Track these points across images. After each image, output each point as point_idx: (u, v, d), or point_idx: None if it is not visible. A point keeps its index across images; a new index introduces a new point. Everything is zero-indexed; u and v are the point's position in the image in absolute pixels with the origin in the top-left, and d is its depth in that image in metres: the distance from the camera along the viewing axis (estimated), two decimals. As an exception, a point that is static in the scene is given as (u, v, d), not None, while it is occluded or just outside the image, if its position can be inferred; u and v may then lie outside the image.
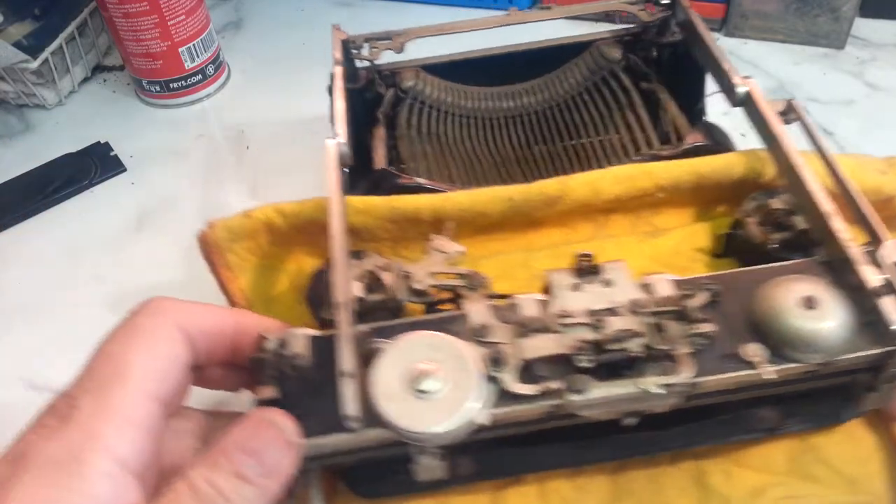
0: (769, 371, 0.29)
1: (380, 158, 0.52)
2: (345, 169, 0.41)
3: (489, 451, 0.33)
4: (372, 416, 0.28)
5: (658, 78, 0.56)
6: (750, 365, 0.29)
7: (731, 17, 0.76)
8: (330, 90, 0.50)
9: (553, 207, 0.42)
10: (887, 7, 0.77)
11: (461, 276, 0.34)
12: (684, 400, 0.30)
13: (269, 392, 0.29)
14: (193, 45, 0.74)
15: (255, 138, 0.71)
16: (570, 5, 0.59)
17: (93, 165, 0.69)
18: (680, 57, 0.55)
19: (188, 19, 0.72)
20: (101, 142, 0.72)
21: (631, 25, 0.58)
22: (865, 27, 0.76)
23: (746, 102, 0.43)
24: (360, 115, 0.54)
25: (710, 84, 0.49)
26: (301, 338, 0.31)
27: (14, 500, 0.21)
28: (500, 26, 0.56)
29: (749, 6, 0.74)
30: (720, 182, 0.42)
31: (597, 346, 0.29)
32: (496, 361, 0.30)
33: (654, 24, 0.55)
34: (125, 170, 0.69)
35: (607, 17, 0.75)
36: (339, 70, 0.49)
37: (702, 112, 0.54)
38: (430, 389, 0.28)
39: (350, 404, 0.28)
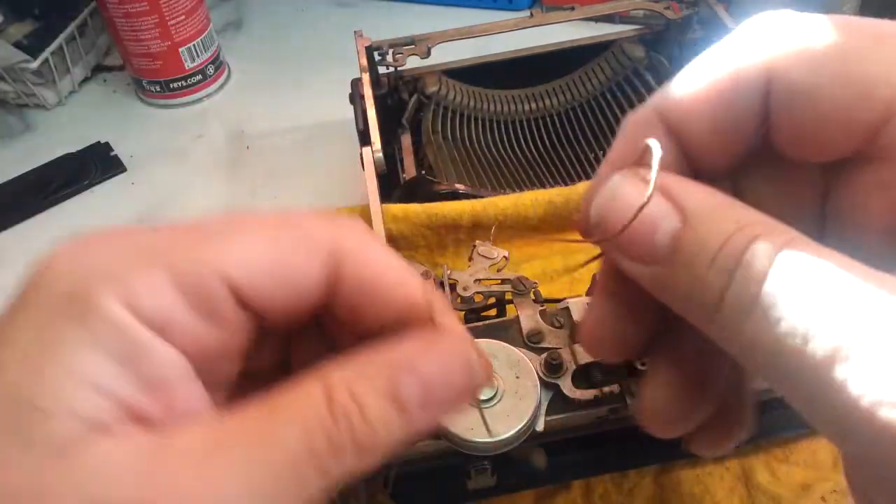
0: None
1: (410, 165, 0.52)
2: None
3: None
4: None
5: None
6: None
7: (733, 17, 0.75)
8: (352, 98, 0.50)
9: None
10: (887, 7, 0.77)
11: (507, 281, 0.34)
12: None
13: None
14: (193, 45, 0.74)
15: (255, 138, 0.71)
16: (593, 5, 0.59)
17: (93, 165, 0.69)
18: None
19: (188, 19, 0.72)
20: (101, 142, 0.72)
21: (639, 25, 0.58)
22: (866, 27, 0.76)
23: None
24: (383, 122, 0.54)
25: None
26: None
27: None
28: (523, 28, 0.56)
29: (750, 6, 0.74)
30: None
31: None
32: (552, 367, 0.29)
33: (677, 22, 0.55)
34: (125, 170, 0.69)
35: (607, 17, 0.74)
36: (366, 78, 0.49)
37: None
38: (488, 397, 0.28)
39: None
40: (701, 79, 0.21)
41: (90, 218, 0.65)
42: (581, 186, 0.41)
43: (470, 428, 0.27)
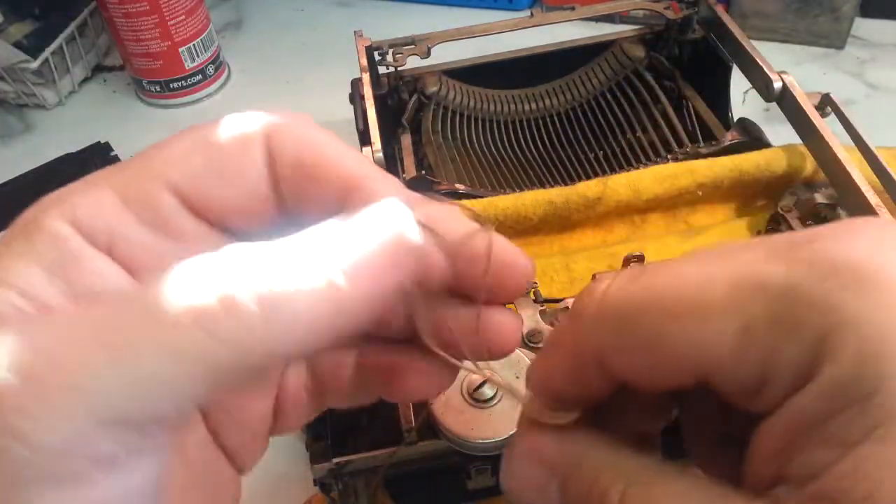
0: None
1: (410, 166, 0.52)
2: None
3: None
4: (428, 428, 0.28)
5: (681, 76, 0.56)
6: None
7: (732, 17, 0.75)
8: (352, 98, 0.50)
9: (592, 209, 0.42)
10: (887, 7, 0.77)
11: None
12: None
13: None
14: (193, 45, 0.74)
15: (255, 138, 0.71)
16: (593, 5, 0.58)
17: (93, 165, 0.69)
18: (702, 54, 0.55)
19: (188, 19, 0.72)
20: (101, 142, 0.72)
21: (639, 25, 0.58)
22: (865, 27, 0.76)
23: (782, 98, 0.43)
24: (383, 122, 0.54)
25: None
26: None
27: None
28: (523, 28, 0.56)
29: (749, 6, 0.74)
30: (761, 178, 0.42)
31: None
32: None
33: (677, 22, 0.55)
34: (125, 170, 0.69)
35: (607, 17, 0.75)
36: (366, 78, 0.49)
37: (728, 108, 0.54)
38: (487, 396, 0.27)
39: (408, 415, 0.28)
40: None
41: (90, 218, 0.65)
42: (581, 186, 0.41)
43: (470, 428, 0.27)
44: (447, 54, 0.58)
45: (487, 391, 0.27)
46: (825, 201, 0.39)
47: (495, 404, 0.27)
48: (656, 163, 0.45)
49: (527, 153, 0.57)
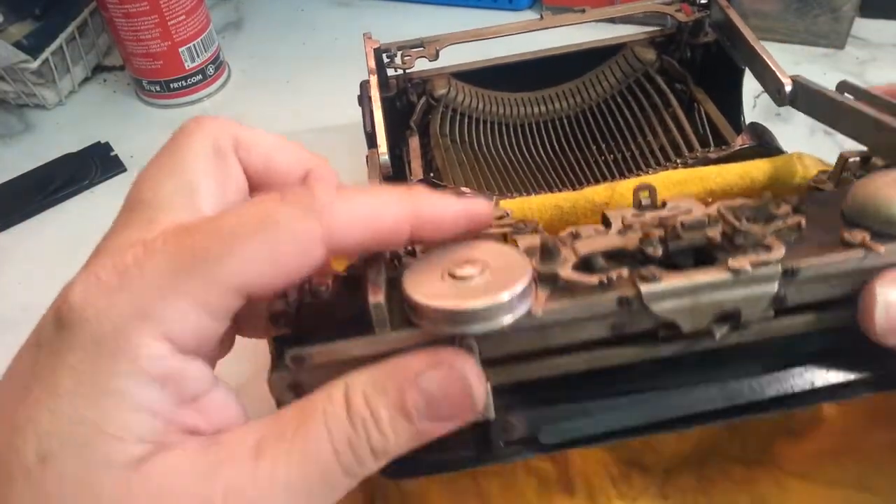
0: (880, 248, 0.24)
1: (418, 168, 0.52)
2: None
3: (539, 410, 0.26)
4: (402, 318, 0.23)
5: (692, 79, 0.56)
6: (856, 246, 0.24)
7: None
8: (360, 99, 0.50)
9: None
10: (887, 7, 0.77)
11: (510, 226, 0.28)
12: (778, 304, 0.24)
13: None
14: (193, 45, 0.74)
15: (255, 138, 0.71)
16: (604, 7, 0.58)
17: (93, 165, 0.69)
18: (714, 58, 0.54)
19: (188, 19, 0.72)
20: (101, 142, 0.72)
21: (652, 28, 0.58)
22: (865, 27, 0.76)
23: (797, 99, 0.42)
24: (391, 124, 0.54)
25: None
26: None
27: (59, 383, 0.19)
28: (533, 30, 0.55)
29: (749, 6, 0.74)
30: (772, 186, 0.41)
31: (668, 235, 0.25)
32: (548, 253, 0.24)
33: (689, 24, 0.55)
34: (125, 170, 0.69)
35: (613, 19, 0.74)
36: (374, 80, 0.49)
37: (740, 112, 0.54)
38: (470, 275, 0.23)
39: (377, 291, 0.23)
40: None
41: (90, 218, 0.65)
42: (589, 191, 0.41)
43: (444, 299, 0.22)
44: (454, 57, 0.58)
45: (472, 269, 0.23)
46: None
47: (479, 280, 0.23)
48: (665, 167, 0.45)
49: (535, 156, 0.57)
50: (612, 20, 0.73)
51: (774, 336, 0.25)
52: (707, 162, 0.44)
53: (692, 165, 0.43)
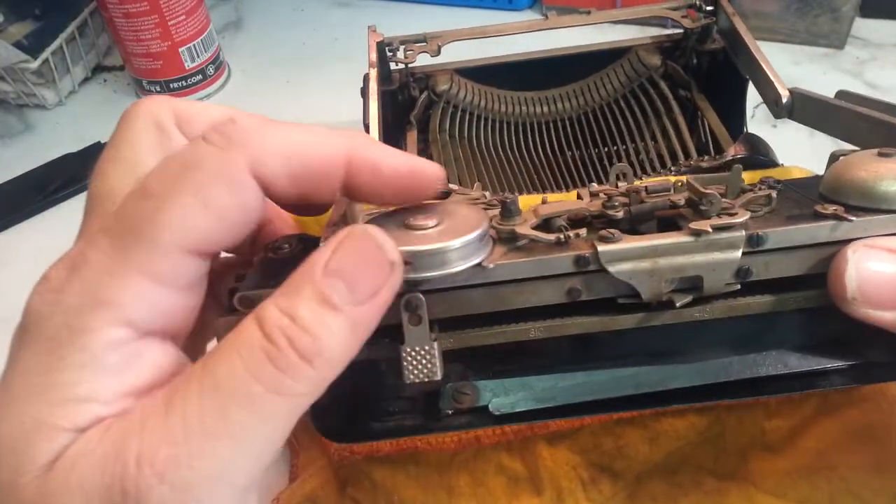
0: (852, 218, 0.23)
1: None
2: None
3: (492, 380, 0.25)
4: None
5: (697, 86, 0.56)
6: (829, 217, 0.23)
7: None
8: (363, 91, 0.50)
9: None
10: (887, 7, 0.77)
11: (484, 203, 0.28)
12: (744, 276, 0.23)
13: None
14: (193, 45, 0.74)
15: (255, 138, 0.71)
16: (611, 10, 0.58)
17: (93, 165, 0.69)
18: (720, 66, 0.54)
19: (188, 19, 0.72)
20: (101, 142, 0.72)
21: (673, 32, 0.57)
22: (865, 27, 0.76)
23: (795, 110, 0.42)
24: (392, 118, 0.54)
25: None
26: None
27: (10, 385, 0.19)
28: (538, 30, 0.55)
29: (749, 6, 0.74)
30: None
31: (631, 200, 0.24)
32: (507, 210, 0.24)
33: (696, 31, 0.54)
34: (125, 170, 0.69)
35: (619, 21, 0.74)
36: (373, 73, 0.49)
37: (743, 122, 0.54)
38: (426, 225, 0.22)
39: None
40: None
41: (90, 218, 0.65)
42: (576, 193, 0.41)
43: (397, 243, 0.21)
44: (455, 55, 0.58)
45: (428, 221, 0.23)
46: None
47: (434, 229, 0.22)
48: (659, 174, 0.45)
49: (532, 156, 0.57)
50: (616, 23, 0.74)
51: (744, 315, 0.24)
52: (699, 171, 0.44)
53: (684, 174, 0.43)
